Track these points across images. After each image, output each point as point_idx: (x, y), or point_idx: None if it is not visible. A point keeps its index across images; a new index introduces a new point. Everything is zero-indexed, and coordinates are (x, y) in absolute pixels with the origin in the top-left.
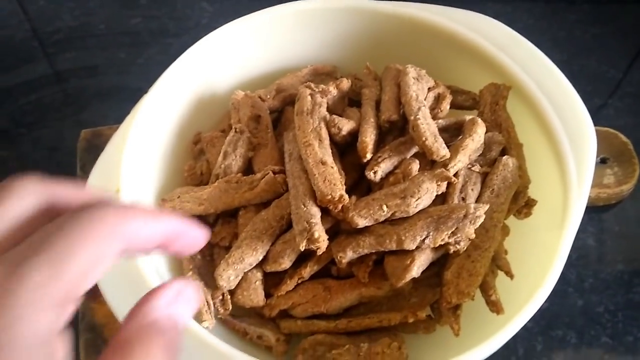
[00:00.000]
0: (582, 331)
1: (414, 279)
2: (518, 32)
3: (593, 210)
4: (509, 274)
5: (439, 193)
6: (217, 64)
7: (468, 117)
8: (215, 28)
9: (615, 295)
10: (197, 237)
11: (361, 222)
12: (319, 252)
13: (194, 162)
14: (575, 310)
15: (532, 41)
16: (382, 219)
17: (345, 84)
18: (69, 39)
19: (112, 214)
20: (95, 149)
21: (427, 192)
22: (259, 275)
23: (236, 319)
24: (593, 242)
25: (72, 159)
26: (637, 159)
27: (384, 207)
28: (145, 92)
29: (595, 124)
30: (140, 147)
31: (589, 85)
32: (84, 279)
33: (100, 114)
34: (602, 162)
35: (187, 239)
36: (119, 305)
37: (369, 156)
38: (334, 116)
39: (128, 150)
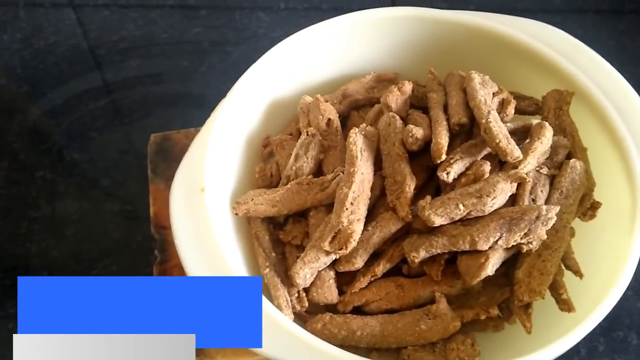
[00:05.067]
0: None
1: (483, 278)
2: None
3: None
4: (579, 273)
5: (510, 194)
6: (285, 71)
7: (535, 122)
8: (271, 37)
9: None
10: None
11: (437, 221)
12: (343, 253)
13: (264, 165)
14: (635, 312)
15: None
16: (458, 217)
17: (408, 86)
18: (134, 47)
19: None
20: (164, 152)
21: (502, 192)
22: (332, 273)
23: None
24: None
25: (141, 161)
26: None
27: (460, 206)
28: (209, 99)
29: None
30: (219, 151)
31: (638, 92)
32: None
33: (166, 119)
34: None
35: None
36: None
37: (443, 157)
38: (410, 126)
39: (210, 153)
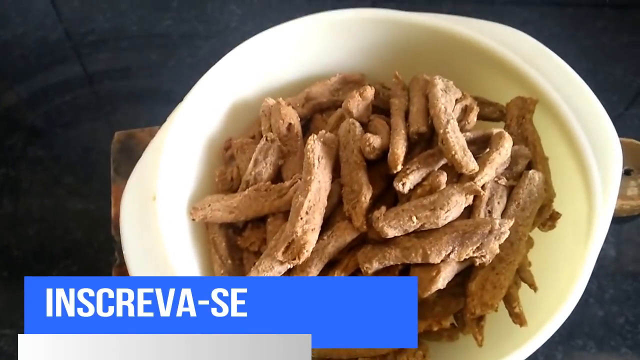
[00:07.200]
0: (602, 341)
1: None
2: (545, 40)
3: (615, 221)
4: (533, 286)
5: (466, 205)
6: (249, 72)
7: (495, 130)
8: (243, 31)
9: (636, 307)
10: None
11: (390, 232)
12: (296, 263)
13: (224, 168)
14: (595, 320)
15: (558, 49)
16: (411, 229)
17: (369, 92)
18: (102, 40)
19: None
20: (128, 150)
21: (457, 204)
22: None
23: None
24: (614, 253)
25: (105, 160)
26: None
27: (414, 219)
28: (176, 94)
29: (620, 134)
30: (176, 156)
31: (614, 94)
32: None
33: (133, 115)
34: (626, 173)
35: None
36: None
37: (399, 168)
38: (367, 135)
39: (164, 161)
